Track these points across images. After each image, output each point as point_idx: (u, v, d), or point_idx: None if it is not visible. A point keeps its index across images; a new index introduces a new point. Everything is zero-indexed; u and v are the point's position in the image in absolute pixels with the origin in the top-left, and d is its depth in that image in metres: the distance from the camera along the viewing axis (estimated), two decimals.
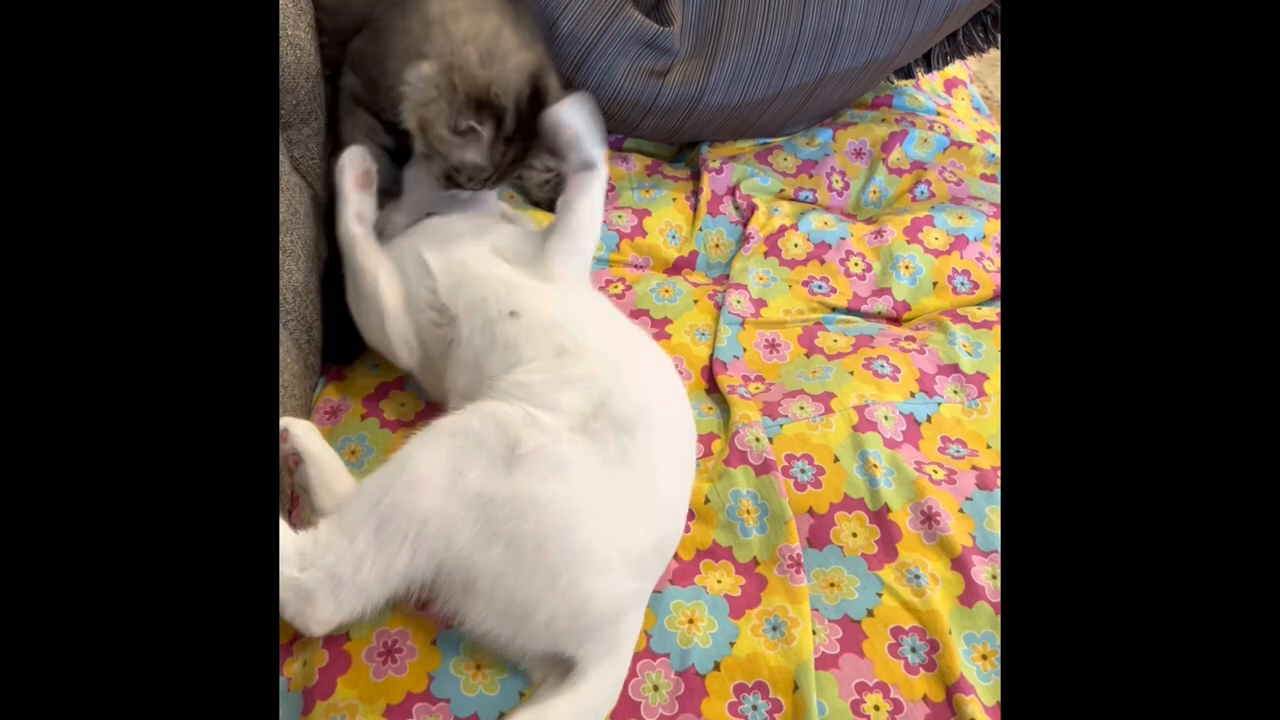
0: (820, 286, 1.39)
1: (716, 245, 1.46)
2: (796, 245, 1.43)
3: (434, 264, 1.13)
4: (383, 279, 1.15)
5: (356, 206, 1.19)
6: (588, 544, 0.88)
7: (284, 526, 0.87)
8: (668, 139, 1.62)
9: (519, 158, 1.18)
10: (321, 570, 0.85)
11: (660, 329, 1.29)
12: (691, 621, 0.97)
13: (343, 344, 1.24)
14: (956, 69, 1.93)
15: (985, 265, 1.42)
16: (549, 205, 1.34)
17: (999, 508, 1.06)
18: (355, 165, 1.19)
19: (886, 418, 1.15)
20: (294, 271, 1.18)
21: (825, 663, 0.94)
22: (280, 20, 1.20)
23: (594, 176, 1.16)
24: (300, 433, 1.01)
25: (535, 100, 1.15)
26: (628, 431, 0.94)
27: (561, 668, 0.89)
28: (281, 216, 1.15)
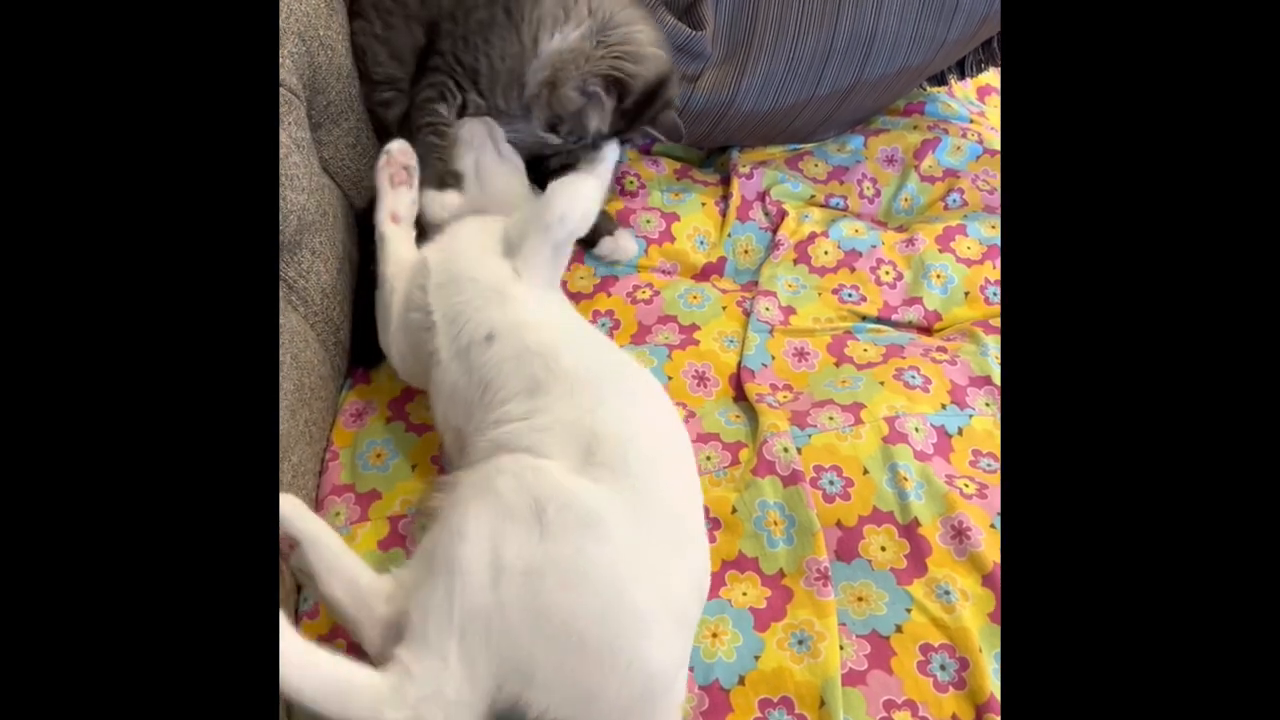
0: (850, 295, 1.38)
1: (746, 251, 1.45)
2: (827, 253, 1.42)
3: (433, 260, 1.11)
4: (399, 289, 1.13)
5: (392, 205, 1.17)
6: (637, 607, 0.84)
7: (364, 668, 0.82)
8: (698, 144, 1.61)
9: (617, 133, 1.26)
10: (437, 704, 0.79)
11: (688, 335, 1.28)
12: (715, 635, 0.96)
13: (369, 347, 1.23)
14: (990, 76, 1.90)
15: None
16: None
17: None
18: (395, 161, 1.17)
19: (917, 429, 1.13)
20: (322, 273, 1.18)
21: (852, 679, 0.93)
22: (312, 20, 1.20)
23: (592, 178, 1.14)
24: (291, 514, 0.93)
25: (653, 95, 1.24)
26: (627, 473, 0.90)
27: None
28: (310, 218, 1.15)
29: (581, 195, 1.10)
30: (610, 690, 0.82)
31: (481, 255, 1.11)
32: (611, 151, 1.26)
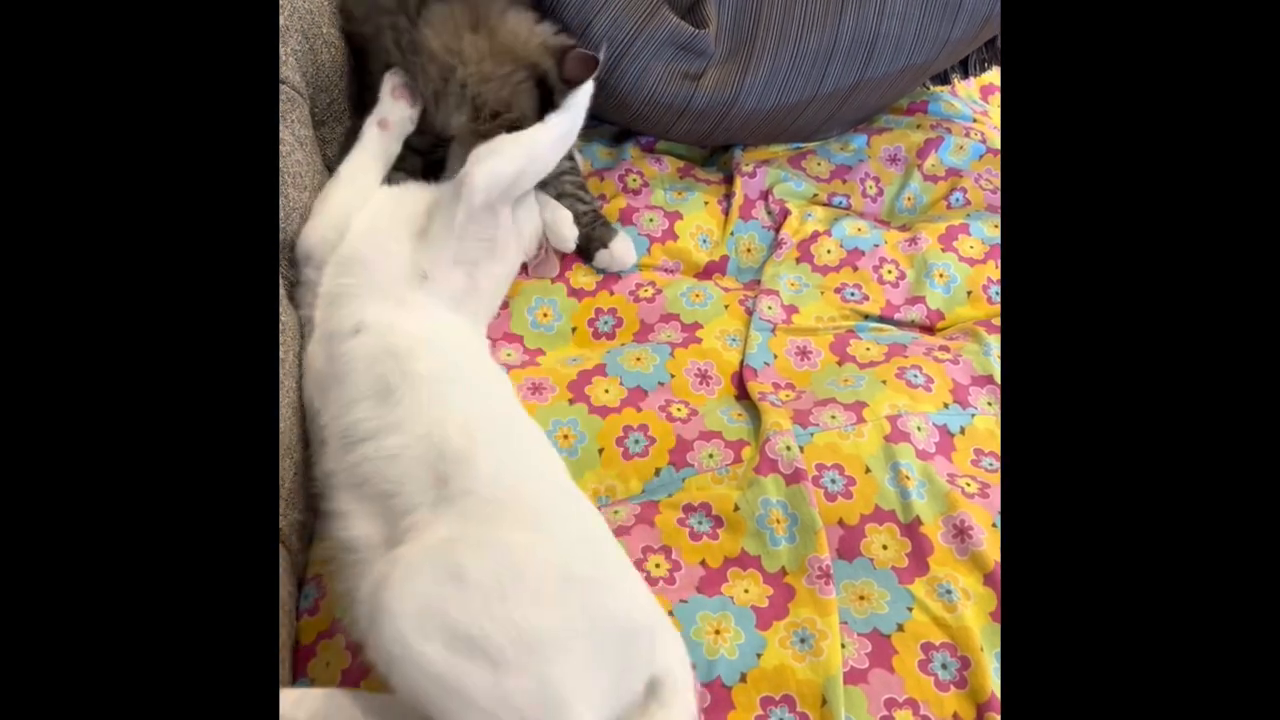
0: (853, 294, 1.38)
1: (748, 250, 1.45)
2: (829, 251, 1.42)
3: (355, 226, 1.11)
4: (342, 197, 1.14)
5: (385, 112, 1.21)
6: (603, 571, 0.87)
7: None
8: (700, 142, 1.61)
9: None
10: None
11: (690, 334, 1.28)
12: (718, 633, 0.96)
13: None
14: (993, 75, 1.90)
15: None
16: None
17: None
18: (393, 77, 1.23)
19: (919, 428, 1.13)
20: None
21: (854, 677, 0.93)
22: (316, 19, 1.20)
23: (509, 141, 1.15)
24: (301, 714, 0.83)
25: (545, 92, 1.22)
26: (485, 496, 0.87)
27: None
28: None
29: (500, 161, 1.12)
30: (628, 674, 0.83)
31: (390, 236, 1.11)
32: (569, 115, 1.22)
